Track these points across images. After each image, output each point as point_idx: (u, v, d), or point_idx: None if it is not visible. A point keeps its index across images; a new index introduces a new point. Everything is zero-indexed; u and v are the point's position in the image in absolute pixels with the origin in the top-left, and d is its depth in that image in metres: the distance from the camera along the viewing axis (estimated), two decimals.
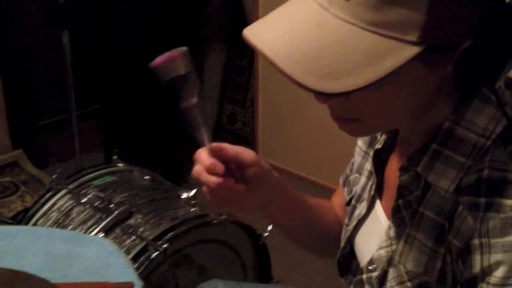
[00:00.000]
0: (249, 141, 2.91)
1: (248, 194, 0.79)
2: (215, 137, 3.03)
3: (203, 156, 0.76)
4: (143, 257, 1.30)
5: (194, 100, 0.80)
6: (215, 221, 1.42)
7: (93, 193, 1.46)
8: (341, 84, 0.58)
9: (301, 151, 2.72)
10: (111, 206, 1.41)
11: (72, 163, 2.28)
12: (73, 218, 1.43)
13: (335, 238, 0.98)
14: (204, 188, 0.78)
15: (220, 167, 0.75)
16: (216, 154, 0.76)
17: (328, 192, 2.58)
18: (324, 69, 0.58)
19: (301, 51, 0.59)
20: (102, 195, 1.44)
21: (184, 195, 1.56)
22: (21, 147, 2.59)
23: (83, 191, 1.48)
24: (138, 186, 1.57)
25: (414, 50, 0.59)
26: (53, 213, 1.46)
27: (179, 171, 2.64)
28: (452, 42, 0.62)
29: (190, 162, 0.80)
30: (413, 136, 0.75)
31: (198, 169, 0.77)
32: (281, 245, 1.57)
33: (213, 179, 0.75)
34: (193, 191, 1.59)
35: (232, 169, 0.78)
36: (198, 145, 0.78)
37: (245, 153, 0.78)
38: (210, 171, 0.75)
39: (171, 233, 1.35)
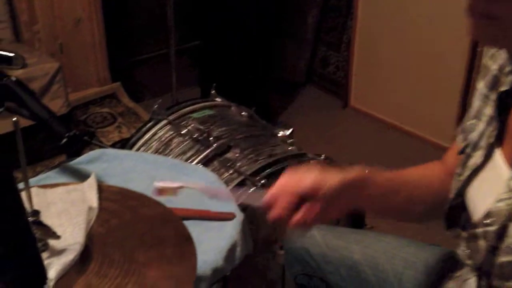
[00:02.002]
0: (341, 86, 2.83)
1: (329, 210, 0.82)
2: (307, 81, 2.99)
3: (269, 208, 0.81)
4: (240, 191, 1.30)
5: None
6: (313, 161, 1.39)
7: (192, 125, 1.46)
8: None
9: (396, 99, 2.60)
10: (210, 138, 1.41)
11: (168, 98, 2.32)
12: (172, 149, 1.45)
13: (441, 207, 0.92)
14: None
15: (287, 210, 0.79)
16: (277, 200, 0.80)
17: (422, 144, 2.49)
18: None
19: None
20: (201, 127, 1.44)
21: (281, 133, 1.54)
22: (119, 80, 2.67)
23: (183, 123, 1.49)
24: (235, 121, 1.56)
25: None
26: (154, 143, 1.49)
27: (271, 112, 2.63)
28: None
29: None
30: None
31: (272, 218, 0.81)
32: None
33: (291, 223, 0.80)
34: (290, 130, 1.56)
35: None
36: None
37: (301, 185, 0.80)
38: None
39: (268, 170, 1.34)
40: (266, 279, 1.52)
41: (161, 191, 0.79)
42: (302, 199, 0.80)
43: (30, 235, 0.53)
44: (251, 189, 0.87)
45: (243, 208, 1.26)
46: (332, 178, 0.81)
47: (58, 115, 2.21)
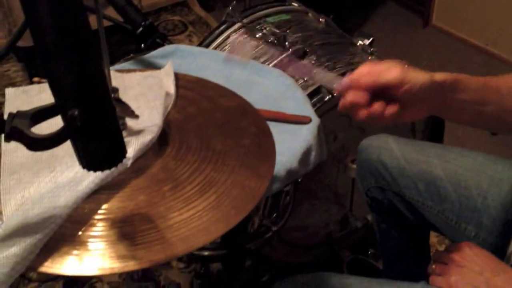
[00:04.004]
0: (423, 3, 2.63)
1: (405, 111, 0.74)
2: None
3: (343, 93, 0.74)
4: (315, 99, 1.25)
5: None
6: None
7: (268, 28, 1.39)
8: None
9: (484, 18, 2.40)
10: (285, 43, 1.34)
11: (240, 6, 2.24)
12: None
13: None
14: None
15: (361, 101, 0.72)
16: (354, 87, 0.73)
17: (510, 69, 2.31)
18: None
19: None
20: (277, 31, 1.37)
21: (360, 42, 1.45)
22: None
23: (258, 27, 1.43)
24: (312, 27, 1.48)
25: None
26: (227, 46, 1.44)
27: (347, 28, 2.49)
28: None
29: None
30: None
31: (343, 104, 0.74)
32: None
33: (361, 114, 0.73)
34: (370, 39, 1.46)
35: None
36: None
37: (385, 75, 0.72)
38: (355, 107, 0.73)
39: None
40: (334, 192, 1.49)
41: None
42: (381, 93, 0.73)
43: (110, 104, 0.50)
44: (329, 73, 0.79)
45: (320, 114, 1.21)
46: (419, 75, 0.73)
47: None
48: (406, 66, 0.75)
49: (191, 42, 2.40)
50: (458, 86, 0.77)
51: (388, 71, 0.73)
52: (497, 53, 2.37)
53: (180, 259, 1.43)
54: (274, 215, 1.02)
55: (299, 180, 1.02)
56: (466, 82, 0.78)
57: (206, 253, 0.95)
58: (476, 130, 1.95)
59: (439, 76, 0.75)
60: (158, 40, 1.57)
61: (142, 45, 1.37)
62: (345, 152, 1.43)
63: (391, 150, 1.11)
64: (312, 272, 0.94)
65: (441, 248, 1.63)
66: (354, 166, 1.37)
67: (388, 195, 1.13)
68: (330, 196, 1.49)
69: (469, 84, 0.78)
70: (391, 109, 0.73)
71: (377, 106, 0.73)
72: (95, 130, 0.49)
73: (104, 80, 0.48)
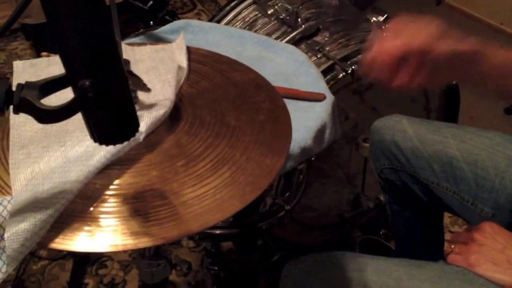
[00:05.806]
0: None
1: (434, 76, 0.75)
2: None
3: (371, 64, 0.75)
4: (329, 76, 1.22)
5: None
6: None
7: (279, 4, 1.36)
8: None
9: None
10: (298, 19, 1.31)
11: None
12: (257, 30, 1.37)
13: None
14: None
15: (385, 73, 0.73)
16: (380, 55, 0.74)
17: None
18: None
19: None
20: (289, 7, 1.34)
21: (373, 19, 1.41)
22: None
23: (269, 2, 1.39)
24: (325, 4, 1.44)
25: None
26: (238, 23, 1.41)
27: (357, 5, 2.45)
28: None
29: None
30: None
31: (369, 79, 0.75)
32: (467, 94, 1.39)
33: (387, 85, 0.73)
34: (384, 16, 1.43)
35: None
36: None
37: (410, 44, 0.73)
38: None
39: (360, 56, 1.24)
40: (346, 172, 1.47)
41: None
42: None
43: (123, 74, 0.48)
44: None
45: (334, 92, 1.18)
46: (444, 44, 0.73)
47: None
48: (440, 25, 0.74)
49: (200, 21, 2.36)
50: (479, 59, 0.75)
51: (412, 41, 0.73)
52: (511, 32, 2.32)
53: (191, 237, 1.43)
54: (287, 194, 1.01)
55: (312, 158, 1.00)
56: (487, 54, 0.76)
57: (217, 231, 0.94)
58: (490, 109, 1.92)
59: (464, 46, 0.74)
60: (167, 17, 1.54)
61: (151, 22, 1.34)
62: (357, 131, 1.41)
63: (404, 131, 1.09)
64: (325, 252, 0.93)
65: (454, 229, 1.61)
66: (366, 144, 1.35)
67: (401, 177, 1.11)
68: (342, 176, 1.47)
69: (491, 56, 0.76)
70: (418, 79, 0.74)
71: (407, 75, 0.73)
72: (107, 102, 0.47)
73: (116, 48, 0.46)
